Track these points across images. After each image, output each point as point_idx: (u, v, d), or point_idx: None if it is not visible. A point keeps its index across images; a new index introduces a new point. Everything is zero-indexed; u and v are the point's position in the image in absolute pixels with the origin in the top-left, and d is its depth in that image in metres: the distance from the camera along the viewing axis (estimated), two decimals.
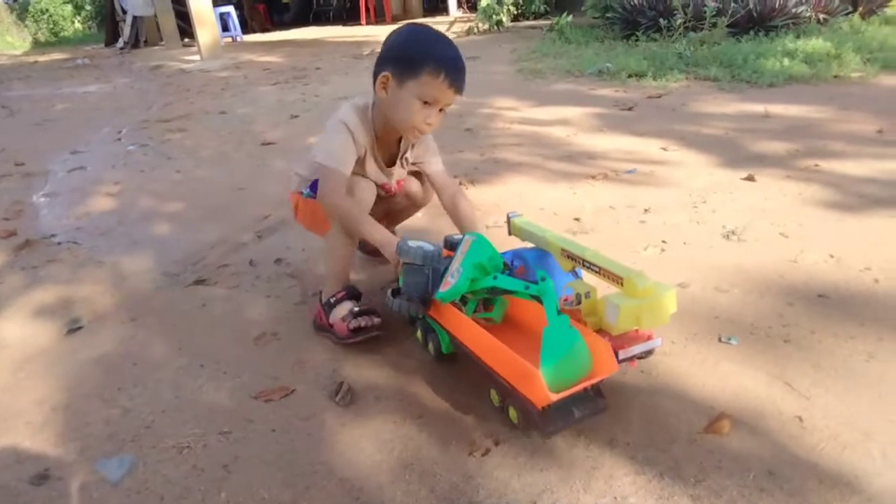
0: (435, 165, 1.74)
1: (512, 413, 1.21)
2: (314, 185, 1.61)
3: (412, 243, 1.35)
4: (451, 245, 1.41)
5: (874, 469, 1.07)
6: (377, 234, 1.50)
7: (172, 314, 1.79)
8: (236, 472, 1.19)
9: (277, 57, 7.75)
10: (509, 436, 1.21)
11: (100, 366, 1.57)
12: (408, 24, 1.53)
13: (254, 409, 1.36)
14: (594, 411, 1.17)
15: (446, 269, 1.31)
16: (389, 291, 1.45)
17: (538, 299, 1.19)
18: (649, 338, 1.24)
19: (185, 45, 9.77)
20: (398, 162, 1.66)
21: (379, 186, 1.65)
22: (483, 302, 1.38)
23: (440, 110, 1.50)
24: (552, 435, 1.16)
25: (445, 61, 1.43)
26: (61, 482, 1.20)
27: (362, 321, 1.53)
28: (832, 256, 1.78)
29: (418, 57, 1.43)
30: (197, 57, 7.97)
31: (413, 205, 1.89)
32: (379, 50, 1.53)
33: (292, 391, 1.41)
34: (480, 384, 1.31)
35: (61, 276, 2.10)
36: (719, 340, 1.45)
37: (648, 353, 1.28)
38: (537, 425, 1.14)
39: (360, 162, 1.59)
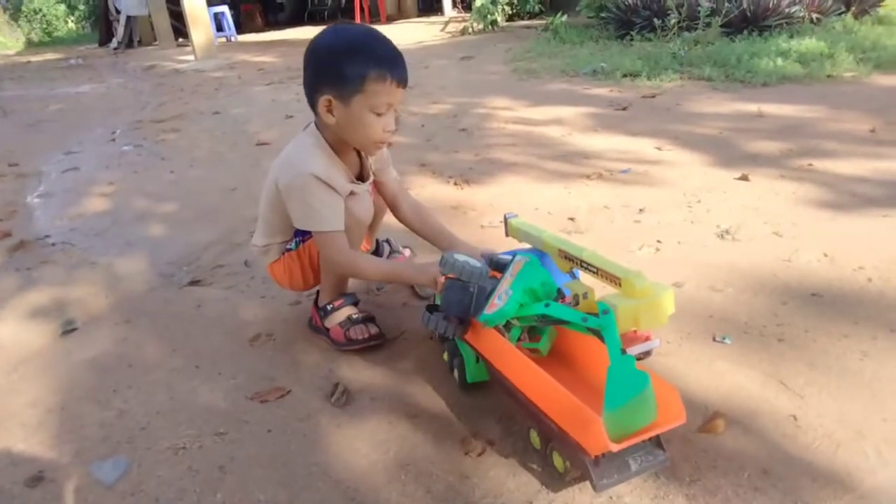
0: (391, 174, 1.67)
1: (557, 460, 1.09)
2: (300, 232, 1.54)
3: (459, 257, 1.24)
4: (498, 265, 1.30)
5: (867, 467, 1.08)
6: (401, 271, 1.56)
7: (167, 315, 1.79)
8: (232, 474, 1.19)
9: (272, 57, 7.73)
10: (504, 435, 1.22)
11: (94, 367, 1.57)
12: (325, 34, 1.40)
13: (249, 410, 1.36)
14: (653, 465, 1.04)
15: (493, 289, 1.20)
16: (425, 307, 1.34)
17: (597, 334, 1.05)
18: (648, 339, 1.24)
19: (179, 45, 9.74)
20: (370, 171, 1.59)
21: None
22: (529, 330, 1.27)
23: (395, 111, 1.43)
24: (606, 488, 1.02)
25: (385, 62, 1.35)
26: (55, 485, 1.19)
27: (360, 331, 1.52)
28: (826, 255, 1.79)
29: (355, 69, 1.33)
30: (191, 57, 7.95)
31: (382, 209, 1.75)
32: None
33: (288, 392, 1.41)
34: (478, 384, 1.32)
35: (55, 278, 2.09)
36: (714, 339, 1.46)
37: (647, 354, 1.28)
38: (590, 476, 1.00)
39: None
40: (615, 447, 0.93)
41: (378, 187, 1.67)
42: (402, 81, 1.38)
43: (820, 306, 1.56)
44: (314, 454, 1.22)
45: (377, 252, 1.91)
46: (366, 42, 1.38)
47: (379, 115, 1.38)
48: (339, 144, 1.47)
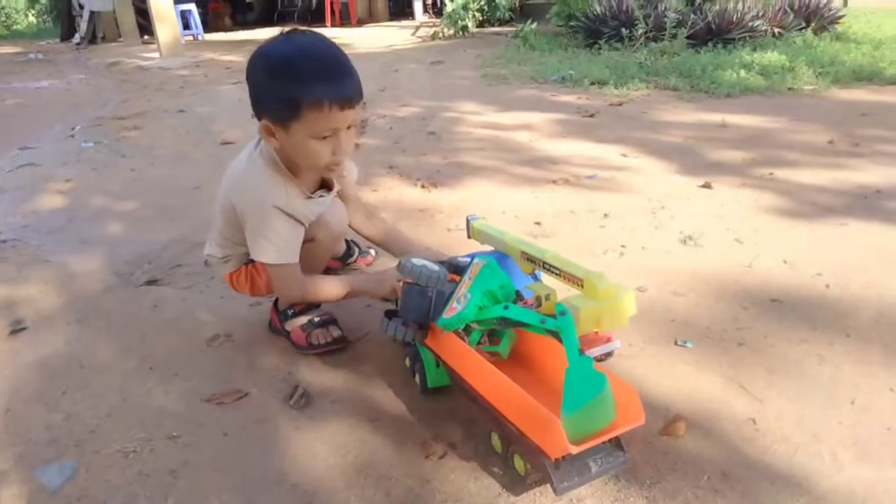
0: (349, 177, 1.56)
1: (518, 463, 1.07)
2: None
3: (416, 261, 1.21)
4: (457, 268, 1.28)
5: (824, 470, 1.09)
6: (359, 286, 1.50)
7: (122, 315, 1.73)
8: (185, 478, 1.15)
9: (239, 56, 7.62)
10: (465, 438, 1.20)
11: (43, 369, 1.51)
12: (263, 49, 1.29)
13: (205, 412, 1.32)
14: (614, 466, 1.02)
15: (452, 293, 1.18)
16: (384, 313, 1.31)
17: (556, 335, 1.04)
18: (609, 340, 1.24)
19: (144, 43, 9.55)
20: (334, 182, 1.50)
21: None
22: (489, 334, 1.25)
23: (348, 127, 1.29)
24: (566, 492, 1.01)
25: (320, 85, 1.20)
26: None
27: (322, 335, 1.49)
28: (785, 262, 1.82)
29: (289, 95, 1.21)
30: (156, 54, 7.80)
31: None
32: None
33: (245, 394, 1.37)
34: (440, 388, 1.30)
35: (5, 275, 2.01)
36: (675, 343, 1.46)
37: (608, 355, 1.28)
38: (550, 479, 0.99)
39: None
40: (575, 449, 0.92)
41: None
42: (345, 103, 1.23)
43: (779, 312, 1.58)
44: (271, 458, 1.19)
45: (348, 252, 1.88)
46: (298, 61, 1.23)
47: (323, 138, 1.27)
48: (292, 162, 1.37)
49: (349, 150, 1.33)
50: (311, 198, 1.42)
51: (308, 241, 1.46)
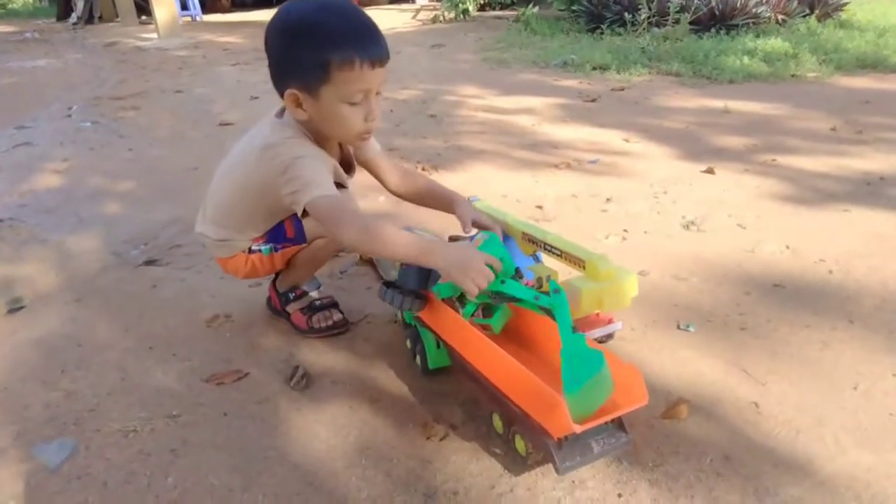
0: (373, 148, 1.45)
1: (519, 443, 1.06)
2: (275, 237, 1.39)
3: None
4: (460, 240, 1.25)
5: (827, 454, 1.08)
6: (439, 258, 1.14)
7: (120, 295, 1.72)
8: (184, 457, 1.14)
9: (238, 37, 7.55)
10: (467, 419, 1.20)
11: (41, 347, 1.50)
12: (277, 15, 1.21)
13: (204, 392, 1.32)
14: (616, 447, 1.01)
15: None
16: (382, 283, 1.26)
17: (549, 312, 1.03)
18: (610, 321, 1.24)
19: (141, 23, 9.45)
20: (354, 163, 1.44)
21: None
22: (484, 307, 1.20)
23: (377, 93, 1.22)
24: (568, 471, 1.00)
25: (349, 41, 1.13)
26: None
27: (324, 318, 1.47)
28: (788, 247, 1.81)
29: (316, 56, 1.13)
30: (154, 35, 7.71)
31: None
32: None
33: (245, 375, 1.37)
34: (441, 370, 1.29)
35: (2, 254, 1.99)
36: (678, 328, 1.46)
37: (609, 336, 1.28)
38: (552, 459, 0.98)
39: None
40: (579, 429, 0.91)
41: (363, 165, 1.48)
42: (377, 60, 1.16)
43: (782, 297, 1.57)
44: (271, 438, 1.18)
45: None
46: (321, 19, 1.15)
47: (355, 104, 1.19)
48: (319, 135, 1.28)
49: (379, 115, 1.24)
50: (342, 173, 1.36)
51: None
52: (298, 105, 1.21)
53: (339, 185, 1.34)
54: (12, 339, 1.54)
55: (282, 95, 1.22)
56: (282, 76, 1.21)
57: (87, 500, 1.06)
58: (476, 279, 1.09)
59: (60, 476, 1.11)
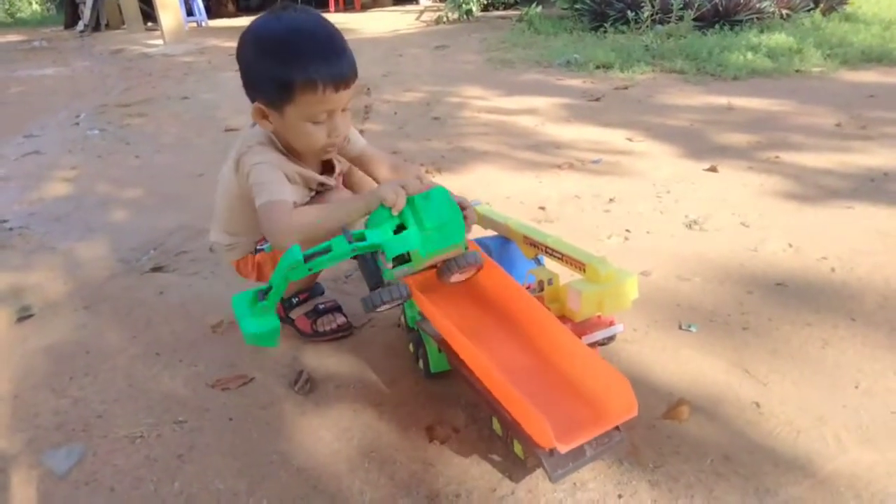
0: (358, 144, 1.46)
1: (518, 448, 1.07)
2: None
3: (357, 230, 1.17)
4: None
5: (828, 453, 1.09)
6: (353, 203, 1.19)
7: (128, 302, 1.74)
8: (191, 462, 1.16)
9: None
10: (469, 422, 1.21)
11: (50, 354, 1.52)
12: (252, 27, 1.23)
13: (210, 397, 1.33)
14: (610, 447, 1.01)
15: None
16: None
17: (377, 249, 1.09)
18: (611, 324, 1.24)
19: (147, 30, 9.52)
20: (335, 163, 1.43)
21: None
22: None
23: (344, 109, 1.26)
24: (561, 478, 1.00)
25: (312, 65, 1.15)
26: (4, 474, 1.15)
27: (328, 322, 1.49)
28: (791, 246, 1.81)
29: (281, 77, 1.16)
30: (160, 41, 7.77)
31: None
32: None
33: (250, 379, 1.38)
34: (444, 373, 1.30)
35: (12, 263, 2.02)
36: (680, 328, 1.46)
37: (610, 339, 1.28)
38: (544, 468, 0.98)
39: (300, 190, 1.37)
40: (563, 448, 0.92)
41: (353, 163, 1.50)
42: (342, 83, 1.19)
43: (784, 296, 1.57)
44: (276, 442, 1.20)
45: None
46: (290, 40, 1.17)
47: (319, 122, 1.23)
48: (294, 151, 1.33)
49: (345, 131, 1.30)
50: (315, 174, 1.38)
51: None
52: (264, 117, 1.25)
53: (323, 185, 1.39)
54: (23, 347, 1.56)
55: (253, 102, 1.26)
56: (249, 88, 1.26)
57: None
58: (394, 190, 1.10)
59: (69, 482, 1.13)
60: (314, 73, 1.15)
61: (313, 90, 1.17)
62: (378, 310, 1.17)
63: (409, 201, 1.11)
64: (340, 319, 1.50)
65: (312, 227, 1.19)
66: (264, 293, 1.15)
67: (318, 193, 1.41)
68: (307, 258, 1.10)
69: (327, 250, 1.10)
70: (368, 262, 1.15)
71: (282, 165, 1.30)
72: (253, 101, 1.25)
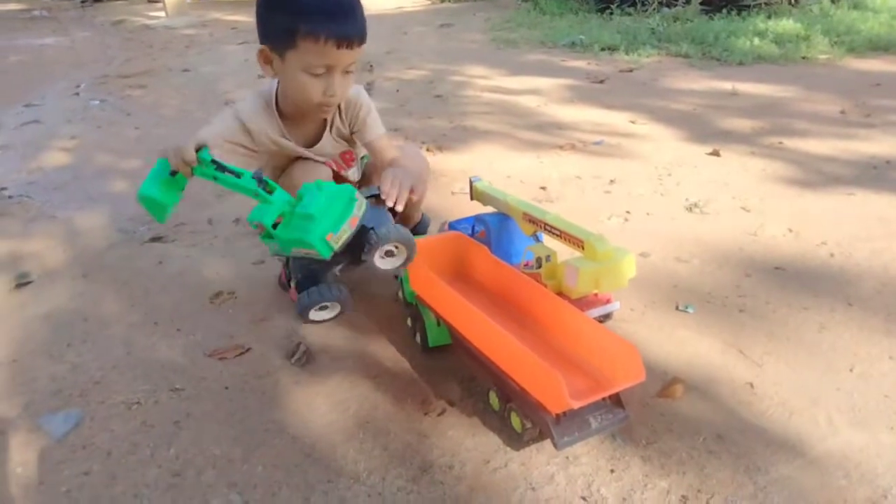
0: (371, 132, 1.47)
1: (515, 420, 1.07)
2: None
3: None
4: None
5: (819, 434, 1.10)
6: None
7: (126, 271, 1.74)
8: (187, 429, 1.17)
9: (245, 16, 7.51)
10: (464, 396, 1.21)
11: (48, 321, 1.52)
12: None
13: (207, 366, 1.34)
14: (613, 423, 1.02)
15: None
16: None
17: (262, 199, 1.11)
18: (608, 301, 1.25)
19: (149, 1, 9.41)
20: (326, 134, 1.45)
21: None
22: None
23: (345, 72, 1.28)
24: (566, 446, 1.01)
25: (318, 17, 1.18)
26: (2, 437, 1.16)
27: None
28: (791, 231, 1.81)
29: (286, 21, 1.20)
30: (162, 13, 7.69)
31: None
32: None
33: (247, 350, 1.39)
34: (441, 347, 1.31)
35: (11, 230, 2.02)
36: (677, 308, 1.46)
37: (607, 316, 1.29)
38: (550, 434, 1.00)
39: (274, 153, 1.44)
40: (576, 404, 0.93)
41: (365, 148, 1.54)
42: (344, 40, 1.20)
43: (782, 279, 1.57)
44: (271, 411, 1.20)
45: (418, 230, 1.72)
46: None
47: (316, 75, 1.25)
48: (292, 108, 1.37)
49: (342, 93, 1.31)
50: (289, 141, 1.43)
51: None
52: (268, 62, 1.29)
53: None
54: (21, 313, 1.56)
55: None
56: (260, 32, 1.30)
57: (92, 469, 1.08)
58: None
59: (65, 446, 1.14)
60: (318, 24, 1.19)
61: (315, 39, 1.19)
62: (310, 316, 1.23)
63: (310, 185, 1.13)
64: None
65: None
66: (173, 172, 1.17)
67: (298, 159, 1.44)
68: (216, 164, 1.12)
69: (238, 175, 1.12)
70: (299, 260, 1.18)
71: (258, 127, 1.37)
72: (261, 44, 1.29)
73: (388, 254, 1.17)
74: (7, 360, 1.38)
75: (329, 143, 1.48)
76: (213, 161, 1.13)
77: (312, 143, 1.46)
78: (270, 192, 1.11)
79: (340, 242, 1.09)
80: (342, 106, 1.44)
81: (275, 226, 1.12)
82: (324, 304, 1.22)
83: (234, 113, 1.38)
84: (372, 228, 1.12)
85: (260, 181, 1.11)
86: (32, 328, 1.50)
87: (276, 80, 1.38)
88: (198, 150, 1.13)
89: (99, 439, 1.15)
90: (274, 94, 1.39)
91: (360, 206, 1.12)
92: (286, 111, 1.40)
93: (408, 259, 1.18)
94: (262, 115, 1.39)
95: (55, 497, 1.03)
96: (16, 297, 1.64)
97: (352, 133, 1.49)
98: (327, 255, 1.09)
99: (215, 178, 1.14)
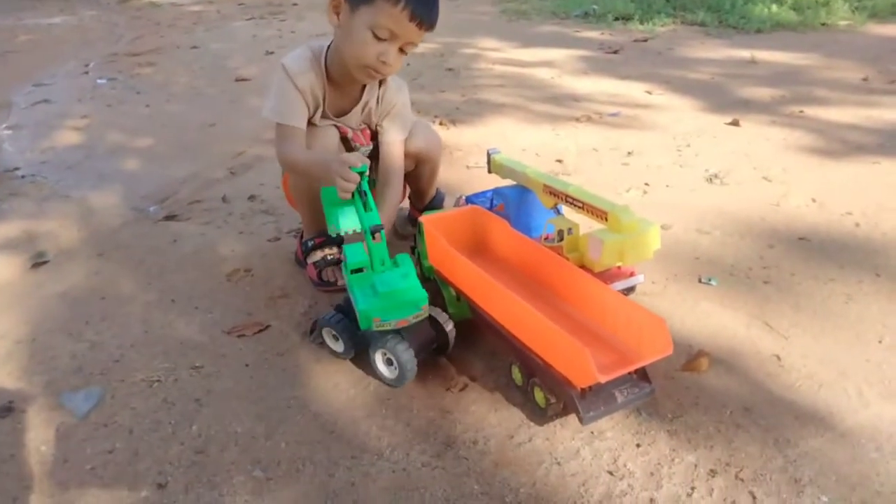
0: (392, 135, 1.48)
1: (539, 395, 1.06)
2: None
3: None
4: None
5: (849, 406, 1.08)
6: (311, 165, 1.35)
7: (142, 249, 1.74)
8: (208, 406, 1.16)
9: None
10: (486, 371, 1.20)
11: (66, 300, 1.52)
12: None
13: (226, 344, 1.33)
14: (639, 397, 1.01)
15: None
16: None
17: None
18: (632, 274, 1.23)
19: None
20: (355, 109, 1.45)
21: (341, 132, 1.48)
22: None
23: (401, 49, 1.30)
24: (592, 421, 1.00)
25: None
26: (25, 415, 1.16)
27: (333, 273, 1.48)
28: (814, 201, 1.77)
29: None
30: None
31: (420, 162, 1.59)
32: None
33: (266, 327, 1.38)
34: (462, 322, 1.29)
35: (25, 210, 2.02)
36: (699, 281, 1.44)
37: (630, 290, 1.26)
38: (576, 409, 0.98)
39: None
40: (603, 378, 0.91)
41: (419, 125, 1.55)
42: (421, 18, 1.24)
43: (807, 250, 1.54)
44: (293, 388, 1.20)
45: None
46: None
47: (379, 39, 1.26)
48: (339, 67, 1.36)
49: (393, 67, 1.32)
50: (327, 116, 1.44)
51: None
52: (336, 10, 1.30)
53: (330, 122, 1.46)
54: (38, 292, 1.56)
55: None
56: None
57: (115, 446, 1.08)
58: (339, 173, 1.21)
59: (88, 424, 1.14)
60: None
61: (394, 4, 1.21)
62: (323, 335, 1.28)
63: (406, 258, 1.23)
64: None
65: (293, 167, 1.41)
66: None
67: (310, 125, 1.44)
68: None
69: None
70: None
71: (308, 81, 1.37)
72: None
73: (388, 362, 1.18)
74: (27, 339, 1.38)
75: (355, 119, 1.48)
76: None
77: (343, 113, 1.46)
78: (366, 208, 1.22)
79: (381, 330, 1.13)
80: (381, 93, 1.44)
81: (353, 271, 1.21)
82: (335, 335, 1.25)
83: (283, 64, 1.37)
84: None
85: (362, 193, 1.21)
86: (50, 307, 1.49)
87: (324, 45, 1.39)
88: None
89: (121, 417, 1.15)
90: (324, 54, 1.39)
91: (419, 316, 1.14)
92: (332, 72, 1.39)
93: (397, 381, 1.19)
94: (308, 71, 1.38)
95: (80, 475, 1.03)
96: (33, 277, 1.63)
97: (376, 125, 1.49)
98: (362, 328, 1.16)
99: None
